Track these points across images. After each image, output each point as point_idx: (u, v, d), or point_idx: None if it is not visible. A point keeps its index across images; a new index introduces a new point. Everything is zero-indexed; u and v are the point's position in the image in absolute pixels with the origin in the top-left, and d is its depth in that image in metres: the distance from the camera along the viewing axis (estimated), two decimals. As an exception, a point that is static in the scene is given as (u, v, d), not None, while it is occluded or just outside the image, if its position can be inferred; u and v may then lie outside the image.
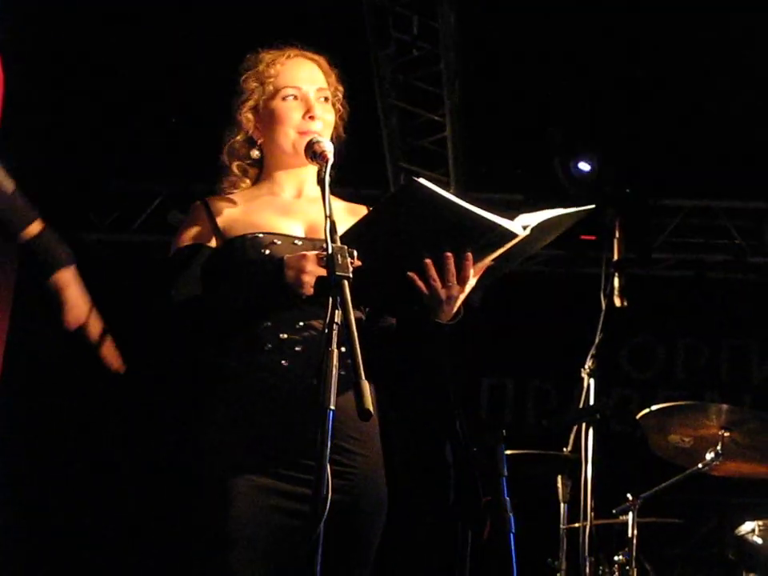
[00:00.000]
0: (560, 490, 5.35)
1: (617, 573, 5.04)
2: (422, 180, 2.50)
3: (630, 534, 4.91)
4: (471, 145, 6.74)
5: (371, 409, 2.22)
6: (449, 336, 2.76)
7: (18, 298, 7.04)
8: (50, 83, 6.23)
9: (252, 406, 2.69)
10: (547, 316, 7.21)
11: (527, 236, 2.63)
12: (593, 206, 2.84)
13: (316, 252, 2.57)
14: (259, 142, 2.95)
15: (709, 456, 4.81)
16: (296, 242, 2.79)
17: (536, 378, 7.68)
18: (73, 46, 6.06)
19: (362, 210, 2.96)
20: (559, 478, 5.35)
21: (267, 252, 2.75)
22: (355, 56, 5.35)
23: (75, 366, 7.14)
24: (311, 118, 2.89)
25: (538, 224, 2.63)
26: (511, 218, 2.62)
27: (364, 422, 2.38)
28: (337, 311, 2.32)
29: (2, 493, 6.48)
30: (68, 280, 2.87)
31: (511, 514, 2.88)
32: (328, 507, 2.21)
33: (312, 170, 2.82)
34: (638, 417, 5.00)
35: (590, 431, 5.15)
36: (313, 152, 2.73)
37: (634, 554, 4.88)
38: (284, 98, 2.92)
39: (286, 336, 2.71)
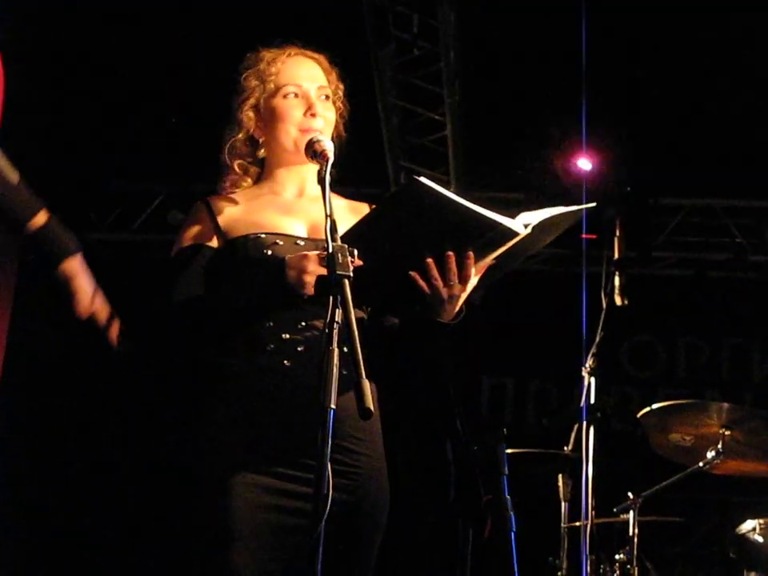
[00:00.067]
0: (561, 489, 5.35)
1: (618, 571, 5.04)
2: (423, 179, 2.50)
3: (630, 533, 4.91)
4: (471, 143, 6.74)
5: (372, 408, 2.22)
6: (450, 335, 2.76)
7: (19, 298, 7.04)
8: (50, 83, 6.22)
9: (253, 405, 2.69)
10: (548, 315, 7.21)
11: (528, 234, 2.62)
12: (593, 203, 2.84)
13: (317, 252, 2.57)
14: (260, 140, 2.95)
15: (709, 454, 4.81)
16: (298, 242, 2.79)
17: (536, 376, 7.68)
18: (73, 46, 6.06)
19: (363, 208, 2.96)
20: (560, 476, 5.35)
21: (269, 252, 2.74)
22: (355, 55, 5.35)
23: (75, 366, 7.17)
24: (312, 115, 2.89)
25: (539, 222, 2.63)
26: (512, 216, 2.62)
27: (365, 421, 2.37)
28: (337, 310, 2.32)
29: (1, 493, 6.48)
30: (76, 269, 2.87)
31: (512, 513, 2.88)
32: (329, 506, 2.20)
33: (313, 168, 2.82)
34: (638, 415, 5.00)
35: (591, 430, 5.15)
36: (313, 151, 2.73)
37: (635, 552, 4.88)
38: (285, 96, 2.92)
39: (288, 336, 2.71)
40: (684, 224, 7.46)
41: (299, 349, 2.70)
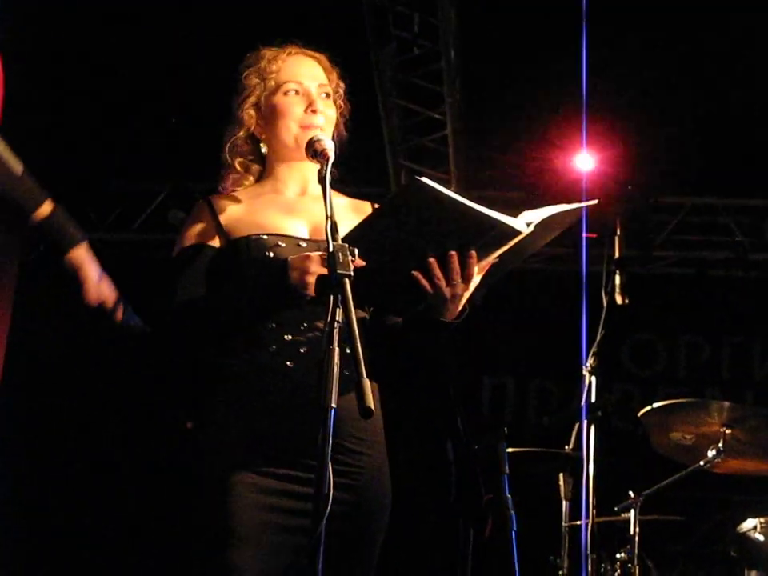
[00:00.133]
0: (561, 488, 5.35)
1: (619, 570, 5.04)
2: (425, 179, 2.50)
3: (631, 532, 4.91)
4: (471, 143, 6.74)
5: (372, 407, 2.21)
6: (452, 335, 2.75)
7: (19, 298, 7.03)
8: (50, 83, 6.22)
9: (254, 406, 2.69)
10: (548, 314, 7.21)
11: (531, 233, 2.62)
12: (595, 201, 2.84)
13: (320, 253, 2.57)
14: (261, 138, 2.95)
15: (710, 453, 4.81)
16: (300, 243, 2.78)
17: (537, 375, 7.68)
18: (73, 45, 6.05)
19: (365, 207, 2.96)
20: (561, 475, 5.35)
21: (271, 255, 2.74)
22: (356, 54, 5.34)
23: (75, 366, 7.18)
24: (313, 111, 2.89)
25: (542, 221, 2.63)
26: (514, 215, 2.61)
27: (366, 420, 2.37)
28: (338, 310, 2.32)
29: (1, 493, 6.48)
30: (84, 257, 2.88)
31: (513, 512, 2.88)
32: (330, 505, 2.20)
33: (315, 165, 2.81)
34: (639, 414, 5.00)
35: (592, 429, 5.15)
36: (314, 150, 2.72)
37: (636, 551, 4.88)
38: (286, 93, 2.91)
39: (290, 337, 2.71)
40: (684, 223, 7.46)
41: (302, 350, 2.70)
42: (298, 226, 2.84)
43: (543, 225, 2.64)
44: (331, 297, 2.33)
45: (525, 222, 2.61)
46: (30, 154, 2.94)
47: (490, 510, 2.92)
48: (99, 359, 7.28)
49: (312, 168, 2.86)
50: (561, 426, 5.63)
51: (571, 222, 2.80)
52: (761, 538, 4.77)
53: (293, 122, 2.89)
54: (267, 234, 2.78)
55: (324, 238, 2.46)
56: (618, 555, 5.06)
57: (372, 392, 2.24)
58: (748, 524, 4.83)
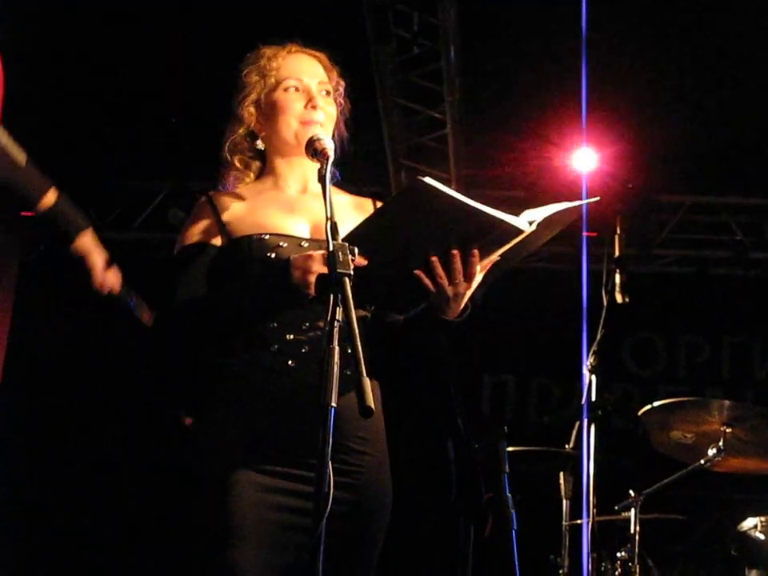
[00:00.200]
0: (562, 487, 5.35)
1: (619, 569, 5.04)
2: (427, 179, 2.50)
3: (632, 531, 4.91)
4: (471, 141, 6.74)
5: (373, 406, 2.21)
6: (454, 333, 2.75)
7: (19, 298, 7.04)
8: (50, 83, 6.22)
9: (255, 405, 2.69)
10: (549, 313, 7.21)
11: (533, 232, 2.62)
12: (597, 198, 2.84)
13: (322, 252, 2.56)
14: (261, 135, 2.94)
15: (711, 452, 4.81)
16: (302, 243, 2.78)
17: (537, 374, 7.68)
18: (73, 45, 6.05)
19: (367, 204, 2.96)
20: (561, 474, 5.35)
21: (273, 255, 2.73)
22: (355, 53, 5.34)
23: (75, 366, 7.18)
24: (313, 107, 2.88)
25: (544, 219, 2.63)
26: (514, 214, 2.61)
27: (366, 419, 2.36)
28: (338, 309, 2.32)
29: (2, 493, 6.48)
30: (90, 244, 2.88)
31: (513, 511, 2.88)
32: (330, 505, 2.20)
33: (315, 162, 2.80)
34: (639, 413, 5.00)
35: (592, 428, 5.15)
36: (314, 149, 2.71)
37: (637, 550, 4.88)
38: (286, 90, 2.91)
39: (292, 337, 2.71)
40: (685, 221, 7.46)
41: (303, 349, 2.70)
42: (300, 225, 2.84)
43: (545, 223, 2.64)
44: (331, 296, 2.33)
45: (527, 220, 2.61)
46: (30, 154, 2.94)
47: (491, 509, 2.92)
48: (99, 359, 7.28)
49: (312, 165, 2.84)
50: (560, 424, 5.63)
51: (572, 219, 2.80)
52: (761, 536, 4.77)
53: (293, 118, 2.88)
54: (269, 234, 2.78)
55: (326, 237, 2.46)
56: (618, 554, 5.06)
57: (373, 391, 2.23)
58: (748, 523, 4.83)
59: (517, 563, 2.85)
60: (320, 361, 2.29)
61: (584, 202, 2.75)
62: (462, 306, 2.71)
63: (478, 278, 2.68)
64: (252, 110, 2.93)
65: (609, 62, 5.98)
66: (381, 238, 2.57)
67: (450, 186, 2.54)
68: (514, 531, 2.86)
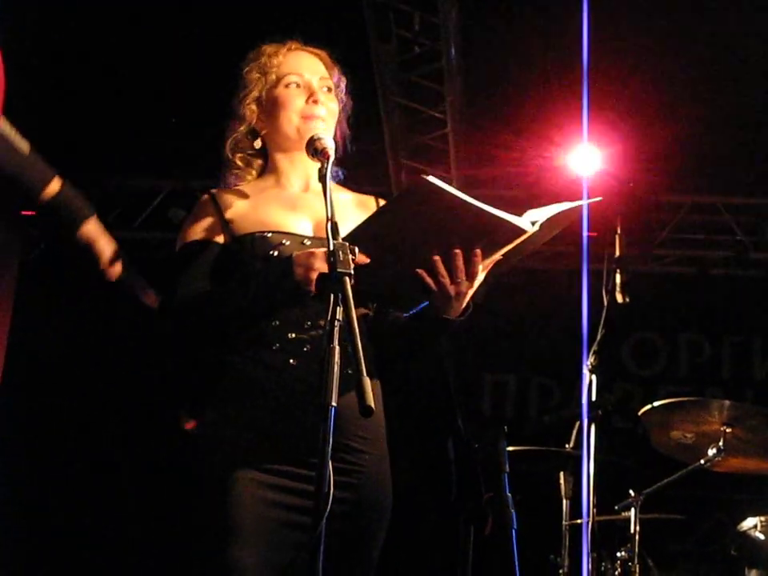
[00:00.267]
0: (562, 486, 5.35)
1: (619, 569, 5.04)
2: (431, 178, 2.49)
3: (632, 531, 4.91)
4: (472, 141, 6.74)
5: (373, 405, 2.21)
6: (455, 332, 2.75)
7: (19, 298, 7.04)
8: (50, 83, 6.22)
9: (256, 403, 2.69)
10: (549, 312, 7.21)
11: (535, 231, 2.62)
12: (599, 198, 2.84)
13: (324, 249, 2.56)
14: (263, 132, 2.94)
15: (711, 452, 4.81)
16: (305, 241, 2.78)
17: (538, 374, 7.68)
18: (73, 45, 6.05)
19: (370, 202, 2.96)
20: (561, 474, 5.35)
21: (275, 253, 2.73)
22: (356, 53, 5.34)
23: (75, 366, 7.17)
24: (314, 102, 2.88)
25: (546, 219, 2.63)
26: (514, 213, 2.61)
27: (366, 418, 2.36)
28: (339, 308, 2.32)
29: (2, 493, 6.48)
30: (96, 232, 2.88)
31: (513, 511, 2.88)
32: (330, 504, 2.20)
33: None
34: (639, 413, 5.01)
35: (592, 427, 5.15)
36: (314, 149, 2.71)
37: (637, 550, 4.88)
38: (287, 86, 2.91)
39: (293, 336, 2.71)
40: (685, 221, 7.46)
41: (305, 348, 2.70)
42: (302, 223, 2.84)
43: (547, 223, 2.64)
44: (331, 295, 2.33)
45: (530, 220, 2.61)
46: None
47: (491, 509, 2.92)
48: (99, 359, 7.28)
49: (314, 163, 2.84)
50: (561, 424, 5.63)
51: (573, 219, 2.80)
52: (761, 536, 4.77)
53: (294, 114, 2.88)
54: (272, 232, 2.78)
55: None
56: (618, 554, 5.06)
57: (373, 390, 2.24)
58: (748, 523, 4.83)
59: (517, 563, 2.85)
60: (321, 360, 2.29)
61: (586, 201, 2.75)
62: (464, 305, 2.71)
63: (480, 277, 2.68)
64: (253, 107, 2.93)
65: (609, 62, 5.98)
66: (383, 236, 2.57)
67: (451, 186, 2.54)
68: (514, 531, 2.86)
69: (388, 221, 2.59)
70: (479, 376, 7.67)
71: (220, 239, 2.81)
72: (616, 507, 5.09)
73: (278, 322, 2.71)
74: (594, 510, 5.02)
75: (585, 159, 6.41)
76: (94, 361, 7.27)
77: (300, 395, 2.65)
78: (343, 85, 3.01)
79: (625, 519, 5.00)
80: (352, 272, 2.36)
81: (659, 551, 5.40)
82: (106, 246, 2.88)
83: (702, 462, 4.84)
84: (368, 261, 2.48)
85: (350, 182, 2.99)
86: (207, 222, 2.83)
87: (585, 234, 6.02)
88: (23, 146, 2.75)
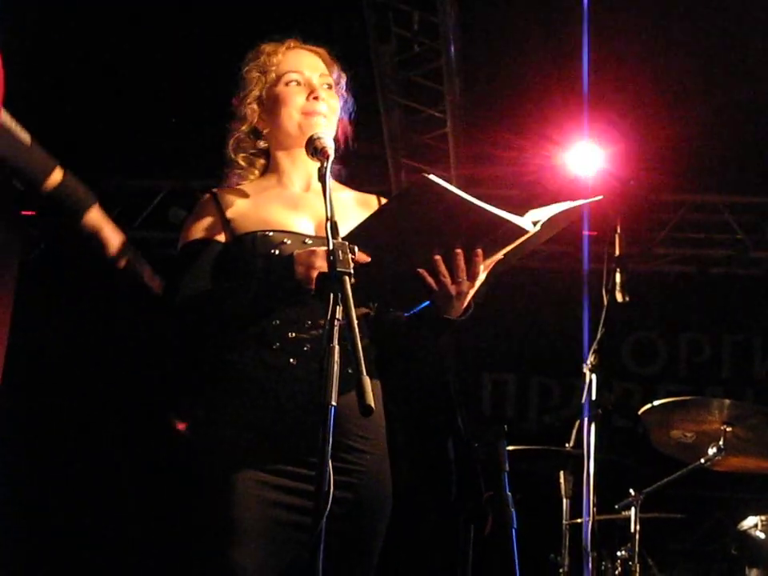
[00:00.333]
0: (562, 486, 5.34)
1: (619, 568, 5.04)
2: (433, 177, 2.49)
3: (632, 530, 4.91)
4: (472, 140, 6.74)
5: (373, 405, 2.21)
6: (456, 332, 2.75)
7: (19, 298, 7.04)
8: (50, 83, 6.22)
9: (256, 402, 2.68)
10: (549, 312, 7.21)
11: (536, 231, 2.62)
12: (599, 197, 2.83)
13: (325, 248, 2.56)
14: (264, 131, 2.94)
15: (711, 451, 4.81)
16: (306, 240, 2.78)
17: (538, 373, 7.68)
18: (73, 45, 6.05)
19: (371, 200, 2.96)
20: (561, 473, 5.34)
21: (277, 252, 2.73)
22: (356, 52, 5.34)
23: (75, 366, 7.17)
24: (315, 98, 2.89)
25: (548, 219, 2.62)
26: (514, 212, 2.61)
27: (366, 418, 2.36)
28: (338, 308, 2.31)
29: (1, 493, 6.48)
30: (100, 220, 2.89)
31: (513, 510, 2.89)
32: (331, 504, 2.20)
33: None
34: (640, 412, 5.00)
35: (592, 427, 5.14)
36: (314, 148, 2.71)
37: (637, 549, 4.88)
38: (287, 84, 2.92)
39: (294, 335, 2.71)
40: (685, 220, 7.46)
41: (305, 347, 2.69)
42: (303, 222, 2.84)
43: (548, 222, 2.64)
44: (331, 295, 2.33)
45: (531, 220, 2.61)
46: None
47: (491, 508, 2.92)
48: (99, 359, 7.28)
49: (315, 162, 2.84)
50: (561, 423, 5.63)
51: (574, 218, 2.80)
52: (761, 535, 4.77)
53: (294, 110, 2.89)
54: (273, 231, 2.78)
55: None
56: (618, 553, 5.06)
57: (373, 390, 2.23)
58: (749, 522, 4.83)
59: (517, 562, 2.85)
60: (321, 359, 2.28)
61: (587, 201, 2.75)
62: (465, 305, 2.71)
63: (481, 277, 2.68)
64: (254, 106, 2.93)
65: (609, 62, 5.98)
66: (384, 235, 2.56)
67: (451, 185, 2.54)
68: (514, 530, 2.86)
69: (389, 220, 2.59)
70: (479, 376, 7.67)
71: (221, 238, 2.81)
72: (616, 506, 5.09)
73: (278, 322, 2.70)
74: (594, 509, 5.01)
75: (585, 158, 6.41)
76: (93, 361, 7.27)
77: (300, 395, 2.65)
78: (343, 82, 3.01)
79: (625, 518, 4.99)
80: (351, 271, 2.36)
81: (659, 550, 5.41)
82: (111, 232, 2.89)
83: (702, 461, 4.83)
84: (368, 260, 2.47)
85: (350, 181, 2.99)
86: (208, 221, 2.83)
87: (585, 233, 6.02)
88: (24, 136, 2.75)
